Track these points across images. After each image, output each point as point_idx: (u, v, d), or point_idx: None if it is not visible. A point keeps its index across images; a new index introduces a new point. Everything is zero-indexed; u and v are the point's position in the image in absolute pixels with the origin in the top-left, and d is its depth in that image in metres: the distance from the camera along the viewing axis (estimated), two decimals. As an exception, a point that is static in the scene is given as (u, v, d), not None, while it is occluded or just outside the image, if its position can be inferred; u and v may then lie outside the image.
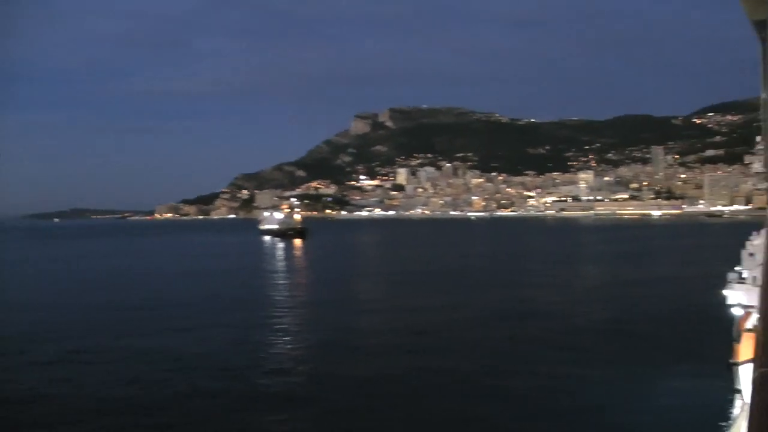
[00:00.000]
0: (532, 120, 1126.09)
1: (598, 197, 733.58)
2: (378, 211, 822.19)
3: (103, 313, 74.04)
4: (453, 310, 73.75)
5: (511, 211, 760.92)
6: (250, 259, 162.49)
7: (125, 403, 39.79)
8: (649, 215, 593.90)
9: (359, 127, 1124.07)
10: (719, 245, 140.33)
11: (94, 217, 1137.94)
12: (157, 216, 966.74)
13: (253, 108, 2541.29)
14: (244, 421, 36.26)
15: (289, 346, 55.99)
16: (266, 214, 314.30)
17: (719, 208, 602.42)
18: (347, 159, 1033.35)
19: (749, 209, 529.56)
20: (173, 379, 44.42)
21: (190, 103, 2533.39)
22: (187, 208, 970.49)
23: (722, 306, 34.68)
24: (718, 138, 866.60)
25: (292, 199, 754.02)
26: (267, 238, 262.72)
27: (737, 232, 60.02)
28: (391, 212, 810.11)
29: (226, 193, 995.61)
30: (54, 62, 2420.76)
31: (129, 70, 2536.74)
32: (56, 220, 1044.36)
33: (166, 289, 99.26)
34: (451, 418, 36.17)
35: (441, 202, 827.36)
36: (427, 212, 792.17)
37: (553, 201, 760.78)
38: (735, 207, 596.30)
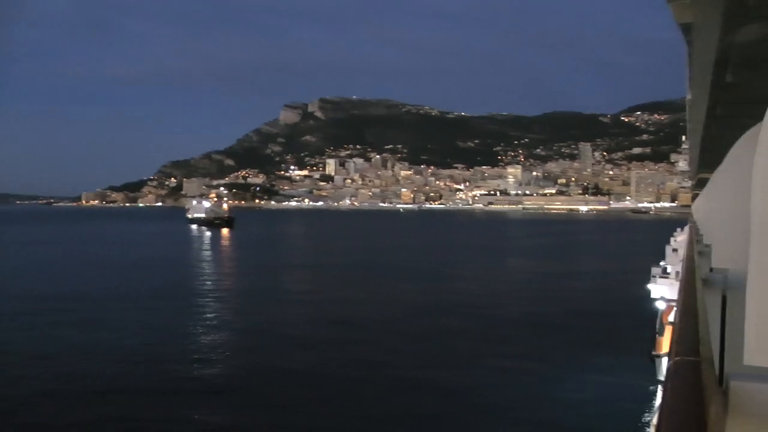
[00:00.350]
0: (462, 113, 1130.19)
1: (526, 192, 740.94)
2: (307, 202, 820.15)
3: (21, 303, 71.89)
4: (379, 302, 73.18)
5: (440, 204, 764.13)
6: (175, 248, 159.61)
7: (41, 397, 38.60)
8: (577, 210, 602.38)
9: (289, 117, 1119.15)
10: (644, 241, 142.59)
11: (18, 203, 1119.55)
12: (84, 203, 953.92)
13: (183, 94, 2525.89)
14: (165, 414, 36.06)
15: (209, 338, 55.21)
16: (194, 202, 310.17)
17: (645, 204, 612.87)
18: (276, 149, 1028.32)
19: (675, 206, 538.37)
20: (92, 371, 43.50)
21: (119, 88, 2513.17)
22: (114, 195, 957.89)
23: (646, 300, 35.47)
24: (645, 136, 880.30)
25: (221, 188, 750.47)
26: (194, 227, 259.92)
27: (663, 228, 61.35)
28: (319, 203, 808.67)
29: (154, 180, 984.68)
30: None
31: (58, 52, 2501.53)
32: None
33: (84, 279, 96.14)
34: (375, 409, 36.38)
35: (370, 193, 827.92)
36: (355, 204, 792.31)
37: (482, 194, 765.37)
38: (661, 204, 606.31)
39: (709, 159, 26.10)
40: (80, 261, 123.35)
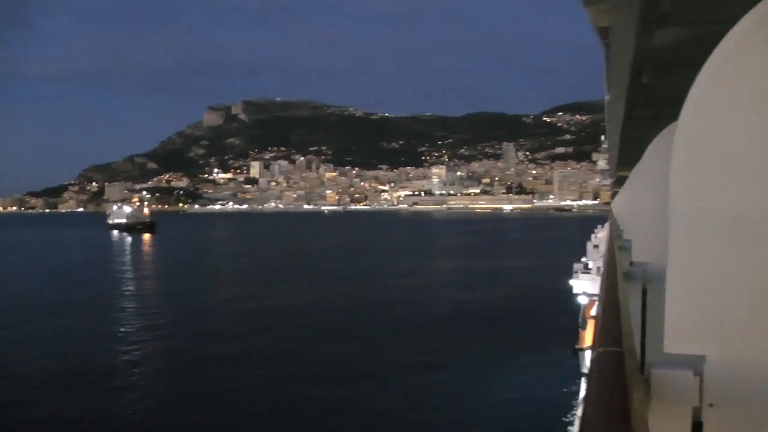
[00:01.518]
0: (387, 114, 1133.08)
1: (451, 191, 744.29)
2: (231, 205, 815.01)
3: None
4: (302, 304, 72.73)
5: (365, 205, 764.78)
6: (93, 253, 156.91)
7: None
8: (501, 209, 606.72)
9: (212, 119, 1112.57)
10: (568, 238, 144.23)
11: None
12: (1, 209, 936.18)
13: (104, 95, 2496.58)
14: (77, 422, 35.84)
15: (123, 344, 54.22)
16: (115, 207, 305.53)
17: (568, 202, 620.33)
18: (200, 152, 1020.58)
19: (597, 204, 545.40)
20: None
21: (37, 87, 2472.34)
22: (33, 201, 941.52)
23: (569, 295, 36.22)
24: (567, 136, 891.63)
25: (144, 192, 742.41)
26: (115, 232, 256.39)
27: (585, 225, 62.28)
28: (244, 206, 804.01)
29: (75, 185, 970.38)
30: None
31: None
32: None
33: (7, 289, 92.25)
34: (294, 409, 36.62)
35: (295, 195, 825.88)
36: (280, 206, 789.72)
37: (407, 195, 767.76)
38: (583, 202, 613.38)
39: (627, 158, 26.88)
40: None
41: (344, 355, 48.51)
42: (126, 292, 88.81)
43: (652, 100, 15.63)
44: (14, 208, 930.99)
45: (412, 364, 44.81)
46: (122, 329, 60.53)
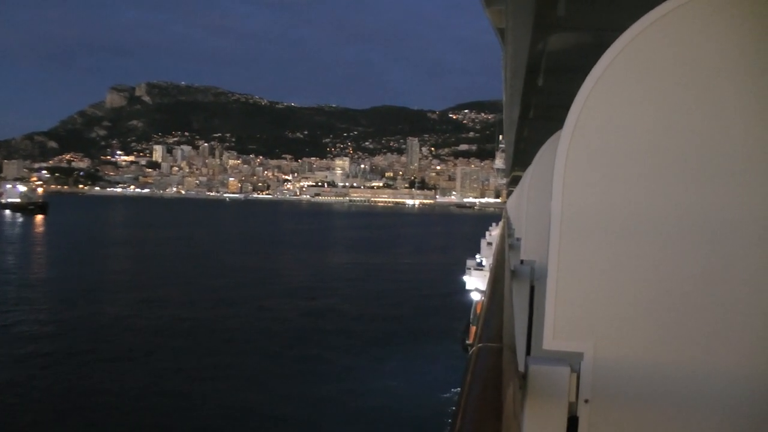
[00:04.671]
0: (292, 104, 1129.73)
1: (354, 184, 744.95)
2: (132, 188, 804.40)
3: None
4: (189, 295, 72.87)
5: (267, 194, 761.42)
6: None
7: None
8: (403, 204, 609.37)
9: (115, 100, 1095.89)
10: (466, 234, 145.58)
11: None
12: None
13: (2, 69, 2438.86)
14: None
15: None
16: (7, 186, 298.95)
17: (470, 199, 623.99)
18: (102, 132, 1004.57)
19: (498, 202, 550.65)
20: None
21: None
22: None
23: (463, 292, 36.56)
24: (471, 134, 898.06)
25: (43, 172, 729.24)
26: (7, 212, 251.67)
27: (485, 222, 62.69)
28: (146, 190, 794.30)
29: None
30: None
31: None
32: None
33: None
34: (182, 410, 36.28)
35: (197, 182, 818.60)
36: (182, 192, 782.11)
37: (309, 186, 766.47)
38: (485, 199, 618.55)
39: (521, 158, 27.37)
40: None
41: (214, 353, 47.69)
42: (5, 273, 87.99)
43: (545, 102, 15.99)
44: None
45: (299, 361, 44.42)
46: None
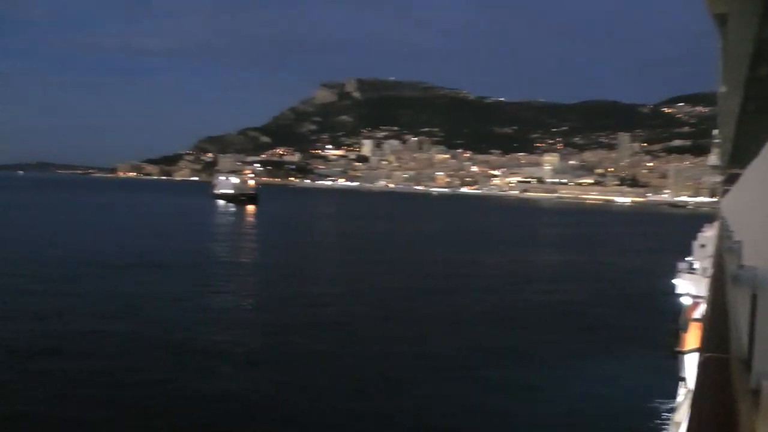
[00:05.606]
0: (500, 99, 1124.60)
1: (562, 180, 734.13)
2: (341, 182, 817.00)
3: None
4: (400, 287, 73.06)
5: (474, 189, 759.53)
6: (194, 222, 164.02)
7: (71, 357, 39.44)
8: (612, 201, 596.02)
9: (325, 96, 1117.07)
10: (677, 235, 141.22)
11: (59, 171, 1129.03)
12: (120, 174, 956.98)
13: (216, 70, 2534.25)
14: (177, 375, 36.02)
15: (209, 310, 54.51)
16: (221, 178, 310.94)
17: (683, 198, 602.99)
18: (312, 127, 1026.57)
19: (712, 201, 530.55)
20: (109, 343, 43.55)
21: (155, 61, 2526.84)
22: (149, 168, 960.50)
23: (672, 295, 34.89)
24: (685, 128, 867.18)
25: (256, 165, 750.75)
26: (221, 202, 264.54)
27: (698, 223, 60.27)
28: (354, 183, 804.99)
29: (190, 155, 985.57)
30: (14, 11, 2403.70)
31: (91, 23, 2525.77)
32: (20, 172, 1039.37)
33: (100, 249, 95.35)
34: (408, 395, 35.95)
35: (405, 175, 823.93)
36: (390, 185, 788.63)
37: (517, 181, 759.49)
38: (699, 199, 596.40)
39: (740, 155, 25.47)
40: (91, 232, 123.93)
41: (432, 342, 47.58)
42: (221, 257, 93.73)
43: (769, 94, 14.44)
44: (132, 173, 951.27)
45: (504, 358, 43.61)
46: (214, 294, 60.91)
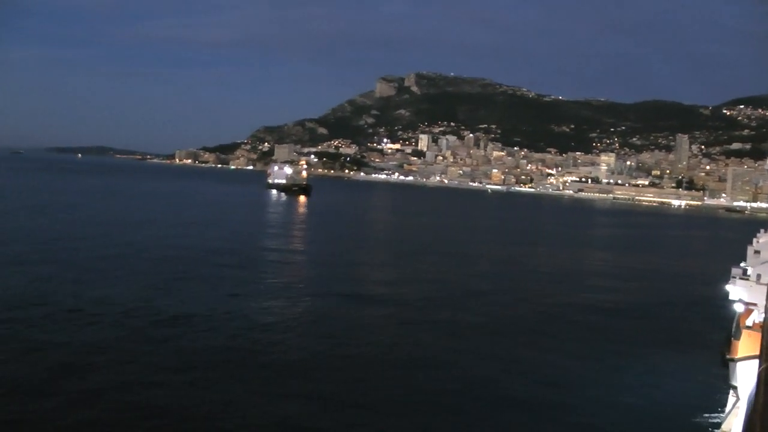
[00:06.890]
0: (558, 97, 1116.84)
1: (618, 181, 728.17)
2: (396, 176, 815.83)
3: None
4: (436, 282, 73.09)
5: (530, 187, 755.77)
6: (243, 210, 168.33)
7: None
8: (668, 204, 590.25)
9: (383, 90, 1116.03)
10: (732, 240, 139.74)
11: (117, 156, 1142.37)
12: (177, 161, 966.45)
13: (275, 62, 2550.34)
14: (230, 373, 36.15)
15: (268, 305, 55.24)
16: (275, 168, 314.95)
17: (741, 203, 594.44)
18: (369, 120, 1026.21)
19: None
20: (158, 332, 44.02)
21: (213, 53, 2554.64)
22: (206, 156, 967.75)
23: (724, 301, 34.20)
24: (746, 131, 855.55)
25: (311, 156, 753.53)
26: (273, 192, 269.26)
27: (753, 228, 59.38)
28: (409, 178, 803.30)
29: (247, 144, 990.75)
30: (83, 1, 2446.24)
31: (147, 14, 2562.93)
32: (79, 155, 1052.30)
33: (139, 239, 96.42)
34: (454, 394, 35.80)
35: (460, 171, 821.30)
36: (445, 181, 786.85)
37: (573, 181, 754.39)
38: (757, 204, 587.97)
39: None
40: (138, 220, 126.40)
41: (480, 342, 47.62)
42: (270, 245, 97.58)
43: None
44: (189, 160, 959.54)
45: (554, 356, 44.07)
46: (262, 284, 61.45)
